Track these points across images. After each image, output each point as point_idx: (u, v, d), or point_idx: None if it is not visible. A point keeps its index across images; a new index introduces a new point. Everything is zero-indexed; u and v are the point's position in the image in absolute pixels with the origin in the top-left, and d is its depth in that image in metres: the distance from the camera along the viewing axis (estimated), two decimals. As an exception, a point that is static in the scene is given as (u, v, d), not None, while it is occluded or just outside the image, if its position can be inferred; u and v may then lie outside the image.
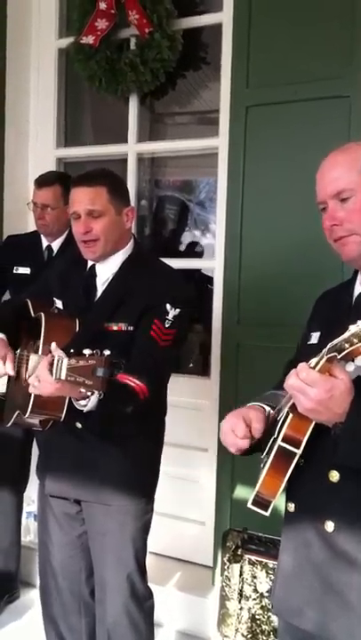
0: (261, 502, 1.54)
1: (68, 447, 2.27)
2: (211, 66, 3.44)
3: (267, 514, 1.53)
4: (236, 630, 2.86)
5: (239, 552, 2.85)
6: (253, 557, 2.84)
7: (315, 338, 1.70)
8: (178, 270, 2.38)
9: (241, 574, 2.85)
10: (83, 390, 1.85)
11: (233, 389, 3.07)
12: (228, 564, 2.88)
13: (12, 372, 2.22)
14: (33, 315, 2.29)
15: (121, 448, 2.23)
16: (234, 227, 3.07)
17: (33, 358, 2.11)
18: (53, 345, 1.95)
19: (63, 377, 1.85)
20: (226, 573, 2.89)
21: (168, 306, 2.15)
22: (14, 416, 2.23)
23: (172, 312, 2.15)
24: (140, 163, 3.64)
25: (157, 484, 2.42)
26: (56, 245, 3.29)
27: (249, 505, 1.55)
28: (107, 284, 2.27)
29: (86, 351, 1.83)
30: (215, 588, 3.03)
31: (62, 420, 2.14)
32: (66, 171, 3.87)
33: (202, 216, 3.70)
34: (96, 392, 1.83)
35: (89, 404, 2.03)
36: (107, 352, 1.81)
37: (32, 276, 3.22)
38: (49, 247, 3.30)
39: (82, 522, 2.39)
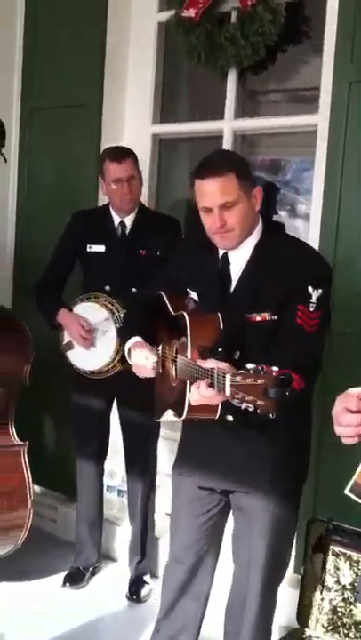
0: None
1: (218, 439, 2.19)
2: (311, 41, 3.31)
3: (365, 502, 1.48)
4: (317, 621, 2.81)
5: (323, 542, 2.79)
6: (337, 549, 2.77)
7: None
8: (310, 245, 2.25)
9: (324, 565, 2.79)
10: (251, 407, 1.74)
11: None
12: (311, 553, 2.83)
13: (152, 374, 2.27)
14: (171, 309, 2.25)
15: (273, 436, 2.13)
16: (330, 213, 2.93)
17: (184, 363, 2.07)
18: (211, 362, 1.88)
19: (228, 393, 1.77)
20: (308, 563, 2.83)
21: (310, 288, 2.04)
22: (165, 415, 2.26)
23: (316, 294, 2.04)
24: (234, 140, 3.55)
25: (308, 471, 2.35)
26: (129, 221, 3.25)
27: (346, 492, 1.50)
28: (241, 271, 2.17)
29: (250, 365, 1.74)
30: (297, 577, 2.98)
31: (216, 418, 2.08)
32: (160, 148, 3.85)
33: (288, 196, 3.59)
34: (271, 413, 1.72)
35: None
36: (275, 368, 1.71)
37: (107, 254, 3.22)
38: (122, 223, 3.26)
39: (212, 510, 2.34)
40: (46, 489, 3.95)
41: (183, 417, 2.09)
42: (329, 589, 2.79)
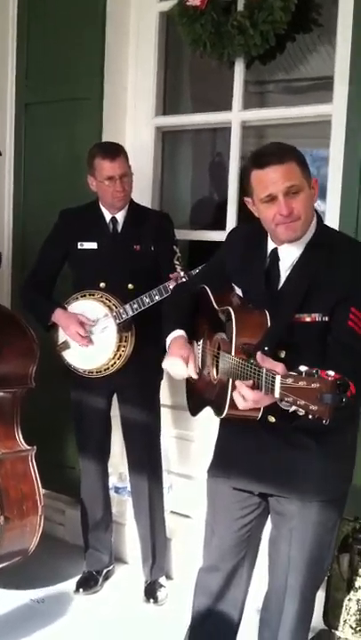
0: None
1: (258, 440, 2.10)
2: (323, 28, 3.24)
3: None
4: (345, 622, 2.75)
5: (350, 542, 2.73)
6: (365, 548, 2.72)
7: None
8: None
9: (351, 565, 2.73)
10: (302, 411, 1.65)
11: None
12: (337, 553, 2.76)
13: (194, 375, 2.15)
14: (215, 304, 2.16)
15: (318, 441, 2.04)
16: (349, 206, 2.85)
17: (228, 360, 1.98)
18: (268, 363, 1.78)
19: (277, 395, 1.68)
20: (335, 563, 2.77)
21: None
22: (204, 411, 2.19)
23: None
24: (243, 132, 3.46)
25: (351, 479, 2.26)
26: (120, 217, 3.18)
27: None
28: (291, 268, 2.06)
29: (302, 368, 1.64)
30: (323, 577, 2.93)
31: (258, 419, 1.99)
32: (164, 140, 3.76)
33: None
34: (324, 420, 1.62)
35: None
36: (331, 373, 1.61)
37: (100, 251, 3.14)
38: (113, 219, 3.18)
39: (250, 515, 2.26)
40: (52, 492, 3.85)
41: (223, 415, 2.01)
42: (356, 590, 2.73)
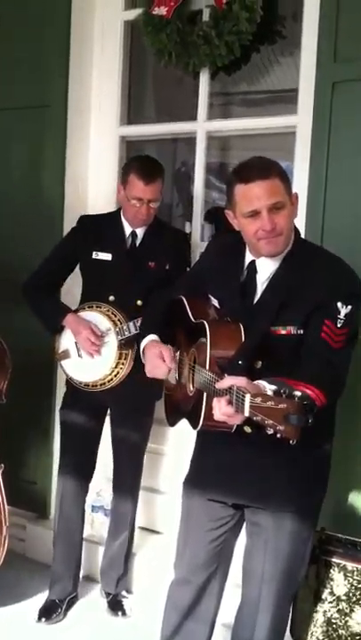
0: None
1: (234, 451, 2.09)
2: (287, 40, 3.25)
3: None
4: (311, 634, 2.73)
5: (316, 553, 2.72)
6: (331, 559, 2.70)
7: None
8: (342, 260, 2.13)
9: (318, 576, 2.72)
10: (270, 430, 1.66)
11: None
12: (304, 564, 2.75)
13: (172, 367, 2.15)
14: (191, 316, 2.15)
15: (294, 452, 2.00)
16: (314, 218, 2.86)
17: (202, 374, 1.97)
18: (229, 380, 1.78)
19: (247, 414, 1.68)
20: (302, 574, 2.76)
21: (340, 304, 1.96)
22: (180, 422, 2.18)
23: (344, 310, 1.96)
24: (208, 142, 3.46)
25: (326, 492, 2.26)
26: (140, 232, 3.11)
27: None
28: (268, 281, 2.07)
29: (270, 387, 1.67)
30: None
31: (232, 431, 1.98)
32: (128, 150, 3.73)
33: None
34: (291, 440, 1.64)
35: None
36: (297, 393, 1.63)
37: (113, 263, 3.07)
38: (133, 233, 3.11)
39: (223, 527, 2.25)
40: (13, 507, 3.76)
41: (198, 428, 2.01)
42: (323, 601, 2.72)
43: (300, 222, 2.88)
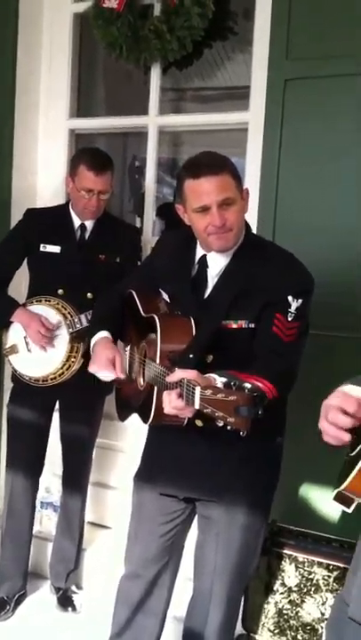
0: (346, 499, 1.48)
1: (185, 444, 2.10)
2: (239, 37, 3.27)
3: (349, 510, 1.49)
4: (263, 625, 2.77)
5: (268, 545, 2.75)
6: (282, 551, 2.74)
7: None
8: (293, 255, 2.13)
9: (269, 568, 2.75)
10: (221, 422, 1.66)
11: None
12: (255, 557, 2.78)
13: (121, 376, 2.11)
14: (141, 310, 2.13)
15: (245, 446, 2.02)
16: (267, 213, 2.88)
17: (153, 368, 1.95)
18: (179, 373, 1.78)
19: (197, 406, 1.68)
20: (253, 567, 2.79)
21: (290, 298, 1.98)
22: (130, 417, 2.16)
23: (295, 304, 1.98)
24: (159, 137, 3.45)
25: (277, 485, 2.27)
26: (90, 224, 3.08)
27: (332, 499, 1.49)
28: (219, 276, 2.08)
29: (220, 380, 1.67)
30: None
31: (184, 424, 1.97)
32: (78, 143, 3.70)
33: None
34: (241, 431, 1.65)
35: None
36: (247, 385, 1.64)
37: (62, 256, 3.04)
38: (82, 226, 3.08)
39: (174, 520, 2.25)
40: None
41: (149, 422, 2.00)
42: (274, 593, 2.75)
43: (252, 218, 2.91)
